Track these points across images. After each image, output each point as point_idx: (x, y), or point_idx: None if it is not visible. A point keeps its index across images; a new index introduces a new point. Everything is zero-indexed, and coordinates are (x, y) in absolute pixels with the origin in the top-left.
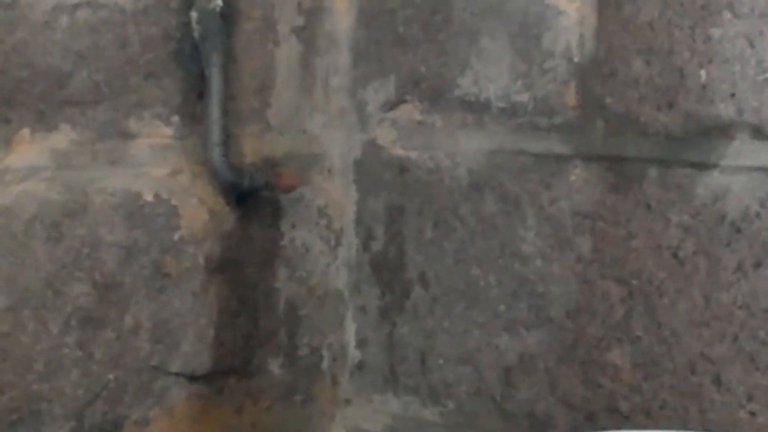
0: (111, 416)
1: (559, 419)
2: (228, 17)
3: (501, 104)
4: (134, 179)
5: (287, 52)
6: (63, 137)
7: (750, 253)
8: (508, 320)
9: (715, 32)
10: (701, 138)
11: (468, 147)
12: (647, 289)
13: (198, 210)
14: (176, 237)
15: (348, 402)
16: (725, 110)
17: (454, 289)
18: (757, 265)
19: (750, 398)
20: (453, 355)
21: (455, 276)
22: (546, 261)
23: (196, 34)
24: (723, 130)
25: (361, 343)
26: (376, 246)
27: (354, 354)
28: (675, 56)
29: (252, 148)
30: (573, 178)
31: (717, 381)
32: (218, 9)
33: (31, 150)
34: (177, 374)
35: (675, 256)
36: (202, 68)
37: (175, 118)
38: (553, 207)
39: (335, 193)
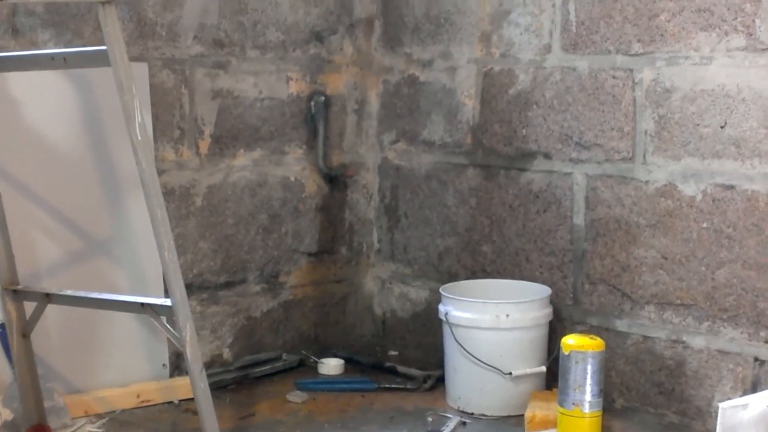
0: (275, 270)
1: (461, 274)
2: (327, 104)
3: (439, 142)
4: (286, 171)
5: (351, 119)
6: (257, 153)
7: (558, 209)
8: (440, 233)
9: (531, 114)
10: (522, 157)
11: (425, 160)
12: (498, 220)
13: (312, 184)
14: (303, 195)
15: (373, 265)
16: (533, 146)
17: (419, 219)
18: (544, 210)
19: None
20: (417, 246)
21: (419, 213)
22: (457, 208)
23: (313, 111)
24: (532, 155)
25: (379, 241)
26: (386, 201)
27: (376, 246)
28: (512, 123)
29: (336, 159)
30: (469, 173)
31: (527, 259)
32: (322, 100)
33: (243, 158)
34: (302, 252)
35: (510, 207)
36: (315, 125)
37: (304, 146)
38: (460, 185)
39: (370, 178)
